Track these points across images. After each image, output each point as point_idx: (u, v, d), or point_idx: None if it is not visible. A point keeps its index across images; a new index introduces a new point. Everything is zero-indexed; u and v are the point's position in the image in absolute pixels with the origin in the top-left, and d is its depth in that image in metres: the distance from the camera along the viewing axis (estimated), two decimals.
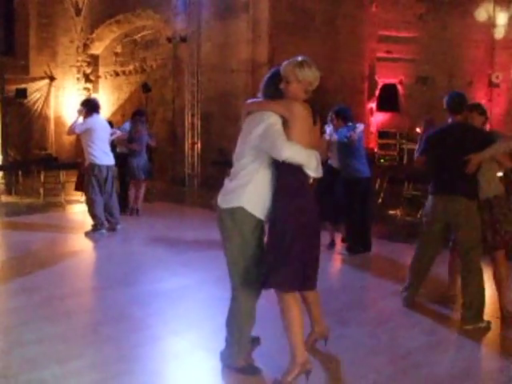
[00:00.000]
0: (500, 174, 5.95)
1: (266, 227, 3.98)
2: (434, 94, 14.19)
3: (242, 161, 3.97)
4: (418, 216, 9.81)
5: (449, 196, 5.28)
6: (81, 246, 8.57)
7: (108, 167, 8.91)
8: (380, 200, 11.65)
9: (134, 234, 9.27)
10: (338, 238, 8.27)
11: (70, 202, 12.00)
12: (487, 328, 5.13)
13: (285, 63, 3.93)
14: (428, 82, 15.18)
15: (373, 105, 16.04)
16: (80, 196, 11.37)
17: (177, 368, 4.26)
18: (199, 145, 15.27)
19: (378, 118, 16.11)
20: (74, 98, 19.26)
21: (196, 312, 5.47)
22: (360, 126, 7.73)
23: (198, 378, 4.11)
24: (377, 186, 11.98)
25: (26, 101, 18.38)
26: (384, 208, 11.29)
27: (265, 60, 14.42)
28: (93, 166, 8.76)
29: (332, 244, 8.16)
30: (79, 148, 9.47)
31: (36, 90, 18.93)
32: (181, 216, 11.09)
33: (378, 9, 15.54)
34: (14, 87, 17.33)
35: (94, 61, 19.47)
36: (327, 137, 7.66)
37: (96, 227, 8.86)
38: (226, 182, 4.07)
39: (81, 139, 8.82)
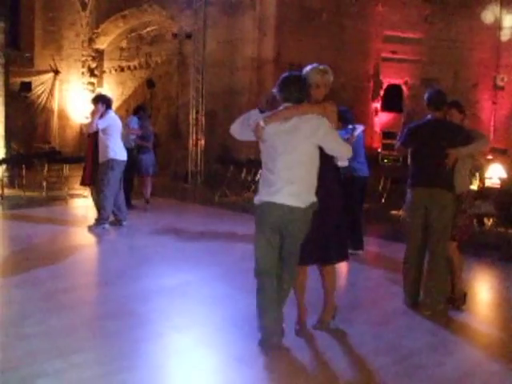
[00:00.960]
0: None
1: None
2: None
3: (302, 164, 4.30)
4: None
5: (429, 189, 5.50)
6: (84, 240, 8.57)
7: (124, 162, 9.00)
8: (383, 200, 11.64)
9: (137, 229, 9.26)
10: None
11: (72, 196, 12.00)
12: (444, 311, 5.44)
13: (310, 70, 4.51)
14: (433, 84, 15.15)
15: (377, 105, 16.02)
16: (84, 190, 11.36)
17: (179, 364, 4.26)
18: (203, 141, 15.25)
19: (383, 118, 16.08)
20: (79, 92, 19.27)
21: (199, 308, 5.47)
22: (359, 128, 7.73)
23: (200, 374, 4.10)
24: (380, 186, 11.98)
25: (30, 94, 18.39)
26: (387, 208, 11.28)
27: (270, 57, 14.41)
28: (112, 161, 8.80)
29: None
30: (84, 143, 9.45)
31: (40, 84, 18.95)
32: (184, 212, 11.08)
33: (384, 9, 15.52)
34: (18, 80, 17.35)
35: (99, 55, 19.46)
36: None
37: (100, 221, 8.87)
38: (288, 184, 4.28)
39: (100, 135, 8.81)
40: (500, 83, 15.01)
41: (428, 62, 15.35)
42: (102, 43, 19.36)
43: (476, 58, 15.06)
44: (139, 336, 4.70)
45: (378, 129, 16.00)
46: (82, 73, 19.50)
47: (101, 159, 8.85)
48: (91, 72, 19.47)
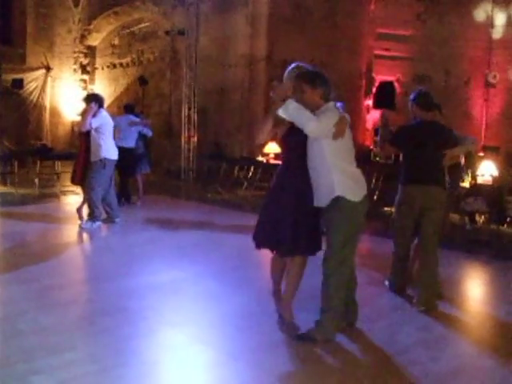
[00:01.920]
0: None
1: None
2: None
3: None
4: None
5: (425, 186, 5.68)
6: (76, 237, 8.56)
7: (115, 162, 9.01)
8: (375, 197, 11.66)
9: (130, 226, 9.26)
10: None
11: (65, 193, 11.97)
12: (436, 306, 5.56)
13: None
14: (425, 81, 15.17)
15: (369, 102, 16.03)
16: (76, 187, 11.32)
17: (172, 361, 4.27)
18: (195, 138, 15.25)
19: (375, 116, 16.10)
20: (71, 88, 19.22)
21: (192, 305, 5.48)
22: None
23: (193, 371, 4.11)
24: (372, 183, 12.01)
25: (22, 91, 18.32)
26: (379, 205, 11.30)
27: (263, 55, 14.41)
28: (105, 160, 8.78)
29: None
30: (75, 140, 9.41)
31: (32, 80, 18.85)
32: (176, 209, 11.07)
33: (376, 6, 15.54)
34: (10, 77, 17.29)
35: (91, 52, 19.43)
36: None
37: (93, 219, 8.85)
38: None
39: (92, 134, 8.77)
40: (492, 81, 15.05)
41: (420, 59, 15.36)
42: (94, 40, 19.31)
43: (468, 55, 15.10)
44: (132, 333, 4.70)
45: (370, 126, 16.02)
46: (74, 69, 19.46)
47: (93, 158, 8.81)
48: (83, 69, 19.43)
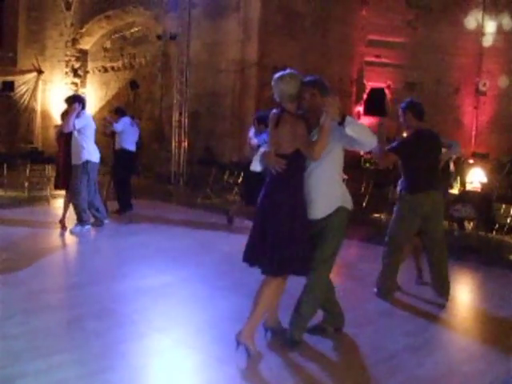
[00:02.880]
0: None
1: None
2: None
3: None
4: None
5: (430, 192, 5.90)
6: (66, 240, 8.54)
7: (98, 164, 8.91)
8: (364, 204, 11.70)
9: (118, 230, 9.25)
10: None
11: (55, 197, 11.93)
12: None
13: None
14: (416, 88, 15.24)
15: (360, 108, 16.09)
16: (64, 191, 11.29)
17: (160, 364, 4.26)
18: (186, 143, 15.25)
19: (365, 122, 16.15)
20: (62, 92, 19.17)
21: (180, 309, 5.49)
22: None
23: (181, 375, 4.11)
24: (362, 189, 12.05)
25: (12, 94, 18.28)
26: (368, 211, 11.35)
27: (254, 60, 14.43)
28: (88, 163, 8.65)
29: None
30: (56, 143, 9.22)
31: (23, 83, 18.81)
32: (166, 214, 11.05)
33: (367, 13, 15.61)
34: (1, 79, 17.25)
35: (82, 56, 19.39)
36: (251, 140, 8.41)
37: (81, 222, 8.82)
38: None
39: (74, 136, 8.64)
40: (482, 88, 15.11)
41: (411, 66, 15.43)
42: (86, 43, 19.28)
43: (458, 63, 15.17)
44: (120, 336, 4.70)
45: None
46: (66, 73, 19.41)
47: (75, 161, 8.67)
48: (75, 72, 19.39)
